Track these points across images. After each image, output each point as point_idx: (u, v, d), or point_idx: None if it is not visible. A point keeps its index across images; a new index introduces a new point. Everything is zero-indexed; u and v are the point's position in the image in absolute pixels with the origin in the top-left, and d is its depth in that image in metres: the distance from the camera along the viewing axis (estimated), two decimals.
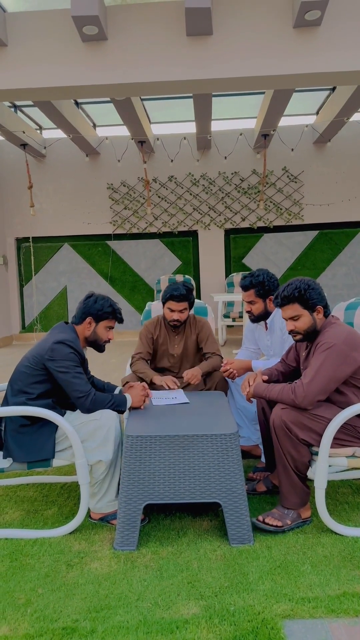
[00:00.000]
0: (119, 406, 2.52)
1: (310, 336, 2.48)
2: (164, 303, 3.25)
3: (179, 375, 3.31)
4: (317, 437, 2.30)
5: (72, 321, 2.64)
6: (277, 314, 3.10)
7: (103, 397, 2.48)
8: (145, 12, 4.76)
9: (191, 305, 3.28)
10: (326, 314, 2.46)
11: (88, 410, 2.44)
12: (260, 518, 2.37)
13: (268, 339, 3.20)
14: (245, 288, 3.09)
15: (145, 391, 2.68)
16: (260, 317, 3.13)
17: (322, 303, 2.42)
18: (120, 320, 2.66)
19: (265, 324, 3.19)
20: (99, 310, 2.57)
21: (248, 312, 3.14)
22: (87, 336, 2.61)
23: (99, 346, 2.66)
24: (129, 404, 2.58)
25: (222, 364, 3.06)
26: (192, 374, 3.06)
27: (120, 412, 2.55)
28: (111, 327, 2.65)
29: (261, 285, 3.04)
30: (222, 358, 3.21)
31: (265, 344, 3.25)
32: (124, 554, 2.21)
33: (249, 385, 2.59)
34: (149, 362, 3.36)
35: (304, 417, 2.30)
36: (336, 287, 8.78)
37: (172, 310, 3.20)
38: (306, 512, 2.43)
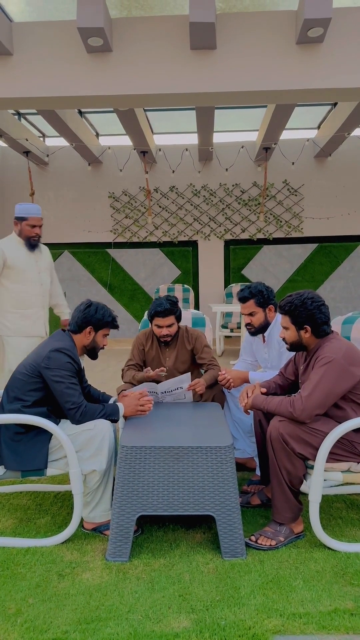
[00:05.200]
0: (110, 415, 2.51)
1: (297, 348, 2.54)
2: (150, 321, 3.21)
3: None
4: (313, 451, 2.31)
5: (69, 329, 2.65)
6: (275, 327, 3.11)
7: (94, 408, 2.47)
8: (150, 25, 4.82)
9: (178, 318, 3.23)
10: (323, 332, 2.46)
11: (77, 422, 2.44)
12: (253, 538, 2.36)
13: (265, 352, 3.21)
14: (244, 299, 3.08)
15: (142, 398, 2.64)
16: (260, 329, 3.12)
17: (310, 323, 2.43)
18: (117, 327, 2.70)
19: (263, 336, 3.19)
20: (100, 320, 2.59)
21: (248, 324, 3.12)
22: (85, 344, 2.63)
23: (95, 353, 2.69)
24: (121, 413, 2.56)
25: (220, 373, 3.05)
26: (198, 381, 3.03)
27: (113, 421, 2.54)
28: (107, 334, 2.69)
29: (260, 294, 3.05)
30: (219, 367, 3.20)
31: (262, 357, 3.26)
32: (116, 565, 2.20)
33: (247, 397, 2.59)
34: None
35: (302, 430, 2.31)
36: (334, 300, 8.81)
37: (160, 327, 3.17)
38: (298, 527, 2.42)
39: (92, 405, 2.49)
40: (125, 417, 2.67)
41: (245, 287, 3.09)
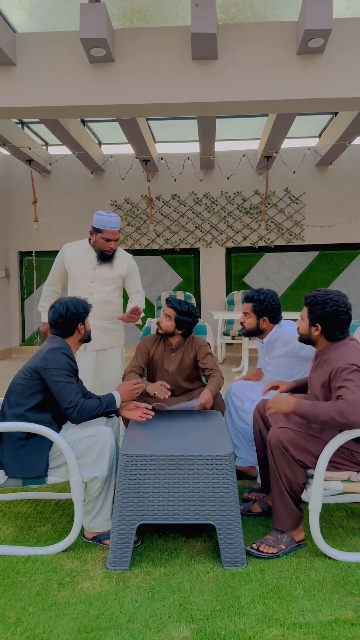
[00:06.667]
0: (108, 407, 2.53)
1: (305, 341, 2.58)
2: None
3: (176, 393, 3.31)
4: (313, 458, 2.30)
5: (56, 333, 2.66)
6: (278, 337, 3.11)
7: (91, 404, 2.47)
8: (152, 36, 4.87)
9: (180, 322, 3.17)
10: (335, 336, 2.45)
11: (76, 420, 2.45)
12: (255, 546, 2.36)
13: (267, 357, 3.23)
14: (246, 299, 3.16)
15: (138, 385, 2.67)
16: (251, 333, 3.18)
17: (322, 323, 2.43)
18: (91, 305, 2.79)
19: (262, 341, 3.21)
20: (83, 312, 2.66)
21: (241, 323, 3.20)
22: (80, 339, 2.70)
23: (90, 337, 2.79)
24: (118, 402, 2.58)
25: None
26: (207, 398, 2.96)
27: (113, 412, 2.57)
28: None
29: (259, 303, 3.08)
30: (222, 377, 3.19)
31: (264, 362, 3.28)
32: (116, 574, 2.19)
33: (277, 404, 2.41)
34: (142, 376, 3.37)
35: (301, 437, 2.31)
36: None
37: (163, 314, 3.21)
38: (299, 535, 2.42)
39: (89, 401, 2.49)
40: (123, 417, 2.70)
41: (255, 290, 3.15)
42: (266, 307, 3.08)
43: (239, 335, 7.59)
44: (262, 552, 2.32)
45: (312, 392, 2.52)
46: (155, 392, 2.98)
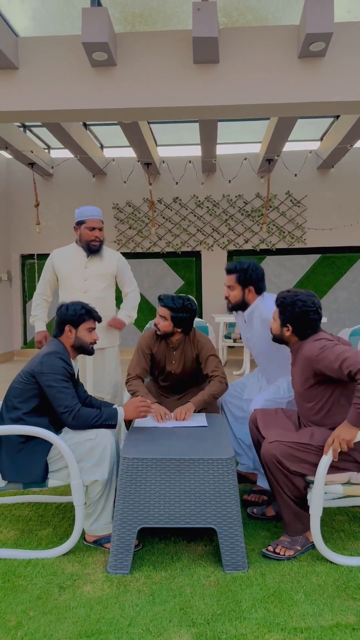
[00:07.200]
0: (107, 420, 2.46)
1: (278, 341, 2.60)
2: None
3: (181, 395, 3.28)
4: (309, 466, 2.30)
5: (54, 334, 2.66)
6: (255, 310, 3.02)
7: (89, 412, 2.43)
8: (153, 40, 4.88)
9: (177, 320, 3.05)
10: (306, 335, 2.48)
11: (72, 426, 2.42)
12: (271, 548, 2.35)
13: (248, 332, 3.14)
14: (228, 271, 3.03)
15: (144, 403, 2.59)
16: (237, 306, 3.06)
17: (292, 324, 2.46)
18: (99, 319, 2.68)
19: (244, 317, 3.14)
20: (73, 315, 2.59)
21: (226, 297, 3.08)
22: (72, 344, 2.62)
23: (87, 350, 2.65)
24: (120, 417, 2.52)
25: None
26: (181, 413, 2.86)
27: (111, 426, 2.48)
28: (92, 328, 2.66)
29: (243, 272, 2.96)
30: (225, 382, 3.06)
31: (245, 336, 3.19)
32: (117, 578, 2.19)
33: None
34: (149, 379, 3.32)
35: (293, 448, 2.30)
36: (338, 311, 8.81)
37: (158, 315, 3.11)
38: None
39: (88, 409, 2.45)
40: (128, 425, 2.65)
41: (235, 262, 3.03)
42: (250, 277, 2.96)
43: (241, 338, 7.59)
44: (279, 554, 2.32)
45: (296, 387, 2.53)
46: (155, 414, 2.84)
